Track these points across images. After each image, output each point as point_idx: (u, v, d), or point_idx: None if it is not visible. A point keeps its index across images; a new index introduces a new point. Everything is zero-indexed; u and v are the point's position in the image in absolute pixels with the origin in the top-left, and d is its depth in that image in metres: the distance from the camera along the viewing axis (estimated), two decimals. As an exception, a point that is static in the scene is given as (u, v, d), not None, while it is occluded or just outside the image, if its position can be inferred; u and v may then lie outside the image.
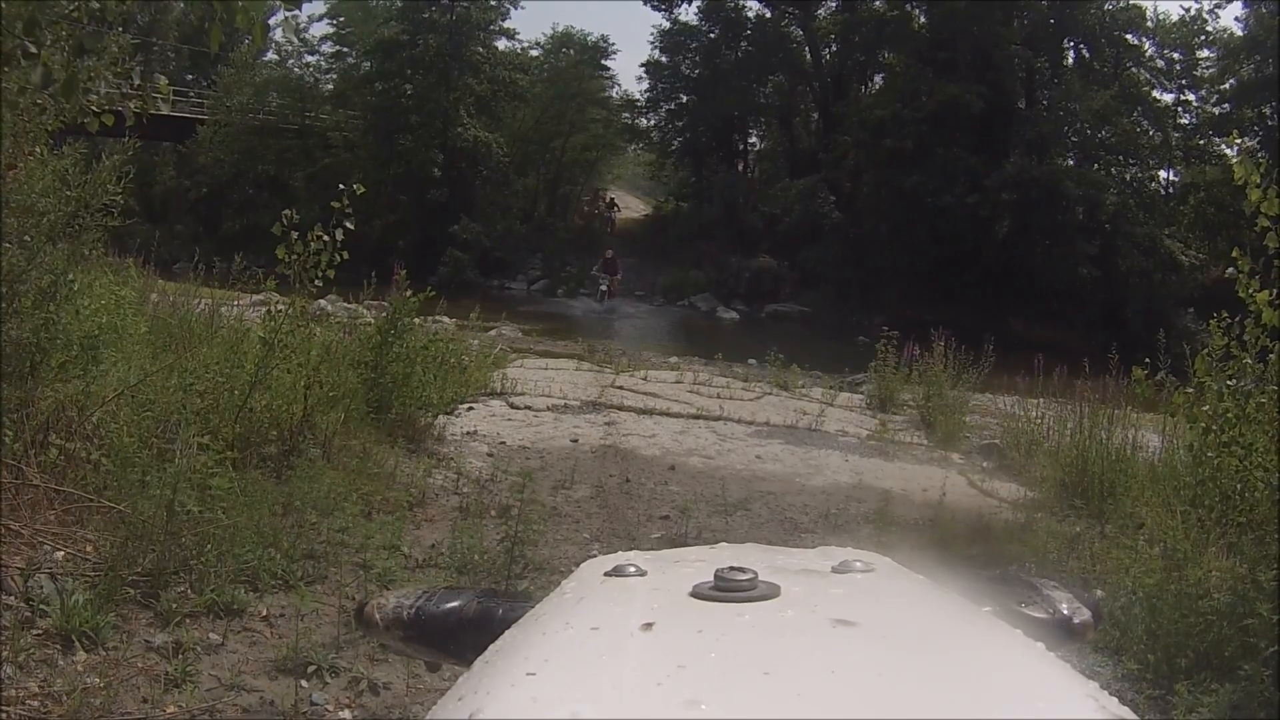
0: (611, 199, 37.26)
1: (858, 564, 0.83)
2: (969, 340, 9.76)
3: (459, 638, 0.98)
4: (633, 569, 0.84)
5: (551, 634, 0.71)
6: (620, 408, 8.60)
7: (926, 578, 0.85)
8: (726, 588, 0.74)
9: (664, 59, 35.93)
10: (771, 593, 0.74)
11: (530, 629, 0.76)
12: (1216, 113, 30.25)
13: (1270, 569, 3.32)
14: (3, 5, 2.25)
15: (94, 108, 3.40)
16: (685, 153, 36.56)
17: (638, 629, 0.68)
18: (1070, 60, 31.08)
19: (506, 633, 0.80)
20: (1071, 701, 0.60)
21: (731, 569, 0.76)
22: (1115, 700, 0.60)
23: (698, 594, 0.75)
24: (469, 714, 0.58)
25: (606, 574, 0.85)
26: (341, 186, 4.90)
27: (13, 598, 3.13)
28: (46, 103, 3.61)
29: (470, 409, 7.75)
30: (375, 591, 2.79)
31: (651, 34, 36.14)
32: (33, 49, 1.99)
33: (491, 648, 0.76)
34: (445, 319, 10.82)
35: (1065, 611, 0.99)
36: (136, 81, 3.49)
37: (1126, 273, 26.05)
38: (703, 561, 0.84)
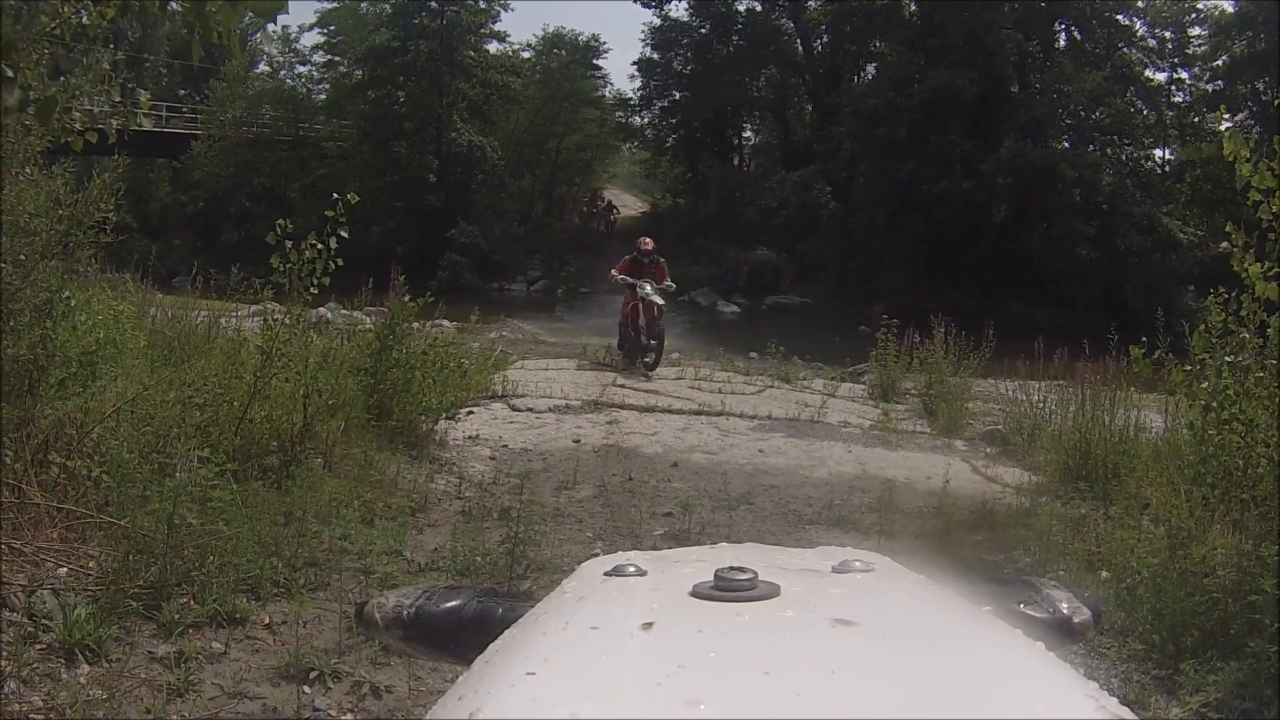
0: (610, 202, 37.28)
1: (857, 564, 0.83)
2: (969, 326, 9.77)
3: (459, 637, 0.98)
4: (632, 569, 0.84)
5: (551, 634, 0.71)
6: (622, 406, 8.60)
7: (926, 577, 0.85)
8: (726, 587, 0.74)
9: (656, 56, 36.02)
10: (771, 592, 0.74)
11: (530, 628, 0.76)
12: (1210, 90, 30.27)
13: (1274, 545, 3.32)
14: None
15: (77, 125, 3.39)
16: (680, 149, 36.65)
17: (638, 629, 0.68)
18: (1062, 43, 31.12)
19: (506, 632, 0.79)
20: (1071, 701, 0.60)
21: (731, 569, 0.76)
22: (1115, 700, 0.60)
23: (698, 594, 0.75)
24: (469, 714, 0.58)
25: (606, 574, 0.85)
26: (336, 196, 4.92)
27: (16, 614, 3.14)
28: (33, 124, 3.61)
29: (471, 413, 7.74)
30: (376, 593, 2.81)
31: (643, 31, 36.27)
32: (9, 72, 1.98)
33: (491, 647, 0.75)
34: (445, 323, 10.80)
35: (1065, 611, 0.98)
36: (117, 98, 3.47)
37: (1125, 252, 26.02)
38: (703, 561, 0.84)
